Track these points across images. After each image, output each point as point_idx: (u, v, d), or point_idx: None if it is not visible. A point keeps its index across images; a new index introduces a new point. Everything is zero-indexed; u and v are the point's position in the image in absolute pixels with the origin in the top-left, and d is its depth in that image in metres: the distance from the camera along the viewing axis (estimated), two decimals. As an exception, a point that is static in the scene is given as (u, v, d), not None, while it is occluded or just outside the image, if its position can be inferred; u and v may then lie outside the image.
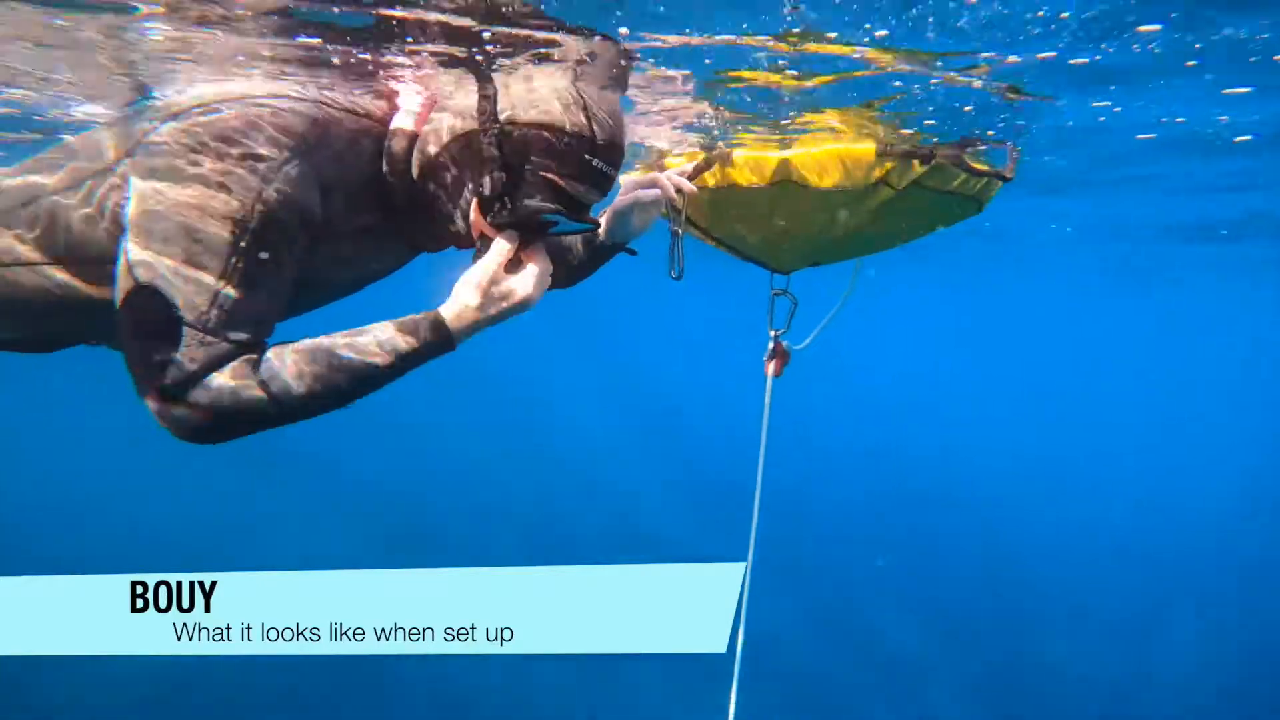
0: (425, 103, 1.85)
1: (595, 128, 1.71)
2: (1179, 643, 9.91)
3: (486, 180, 1.68)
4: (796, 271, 2.84)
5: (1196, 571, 12.09)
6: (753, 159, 2.45)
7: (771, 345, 2.82)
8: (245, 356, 1.53)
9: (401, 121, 1.81)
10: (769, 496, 2.94)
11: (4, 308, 1.86)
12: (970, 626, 9.91)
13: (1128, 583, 11.57)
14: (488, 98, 1.73)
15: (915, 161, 2.37)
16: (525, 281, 1.72)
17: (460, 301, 1.68)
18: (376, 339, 1.62)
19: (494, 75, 2.40)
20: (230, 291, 1.51)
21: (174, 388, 1.47)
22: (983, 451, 19.31)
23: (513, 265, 1.73)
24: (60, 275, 1.77)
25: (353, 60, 2.45)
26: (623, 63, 2.54)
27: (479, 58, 2.34)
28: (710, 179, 2.49)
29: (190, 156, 1.54)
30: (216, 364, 1.50)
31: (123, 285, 1.52)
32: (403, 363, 1.63)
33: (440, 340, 1.65)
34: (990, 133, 3.61)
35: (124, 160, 1.68)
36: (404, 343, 1.63)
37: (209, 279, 1.50)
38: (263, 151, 1.57)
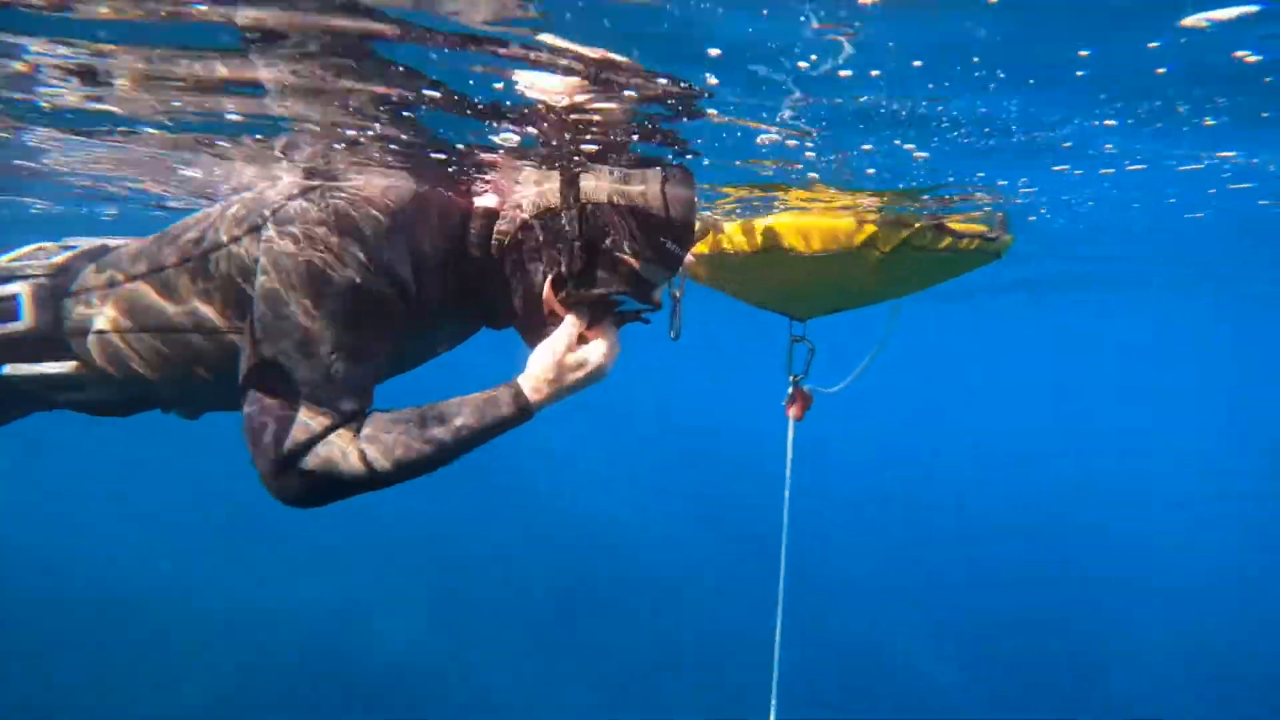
0: (507, 185, 1.97)
1: (671, 211, 1.78)
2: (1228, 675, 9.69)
3: (564, 258, 1.74)
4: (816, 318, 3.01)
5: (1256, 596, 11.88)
6: (741, 226, 2.59)
7: (791, 390, 2.97)
8: (349, 425, 1.62)
9: (485, 200, 1.93)
10: (801, 525, 3.06)
11: (127, 369, 1.98)
12: (1007, 656, 9.80)
13: (1174, 611, 11.35)
14: (570, 181, 1.81)
15: (900, 228, 2.51)
16: (596, 352, 1.78)
17: (536, 374, 1.74)
18: (462, 411, 1.68)
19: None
20: (340, 365, 1.62)
21: (288, 456, 1.56)
22: (1017, 473, 19.08)
23: (580, 338, 1.80)
24: (185, 339, 1.90)
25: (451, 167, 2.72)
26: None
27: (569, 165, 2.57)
28: (704, 247, 2.64)
29: (312, 235, 1.65)
30: (325, 433, 1.59)
31: (247, 359, 1.63)
32: (486, 433, 1.69)
33: (519, 411, 1.71)
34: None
35: (244, 237, 1.80)
36: (488, 415, 1.69)
37: (323, 353, 1.60)
38: (371, 229, 1.68)
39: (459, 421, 1.67)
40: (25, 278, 2.01)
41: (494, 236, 1.87)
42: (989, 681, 9.22)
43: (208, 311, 1.87)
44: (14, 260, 2.08)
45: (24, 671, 7.93)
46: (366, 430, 1.63)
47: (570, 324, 1.78)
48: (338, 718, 7.98)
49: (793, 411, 2.97)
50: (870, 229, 2.50)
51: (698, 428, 22.92)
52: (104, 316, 1.95)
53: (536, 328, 1.86)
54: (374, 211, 1.70)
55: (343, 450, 1.59)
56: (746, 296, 2.92)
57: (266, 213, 1.75)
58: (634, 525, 13.54)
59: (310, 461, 1.58)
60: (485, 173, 2.71)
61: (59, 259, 2.05)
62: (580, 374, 1.77)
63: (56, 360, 1.99)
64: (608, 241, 1.75)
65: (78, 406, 2.13)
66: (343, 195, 1.72)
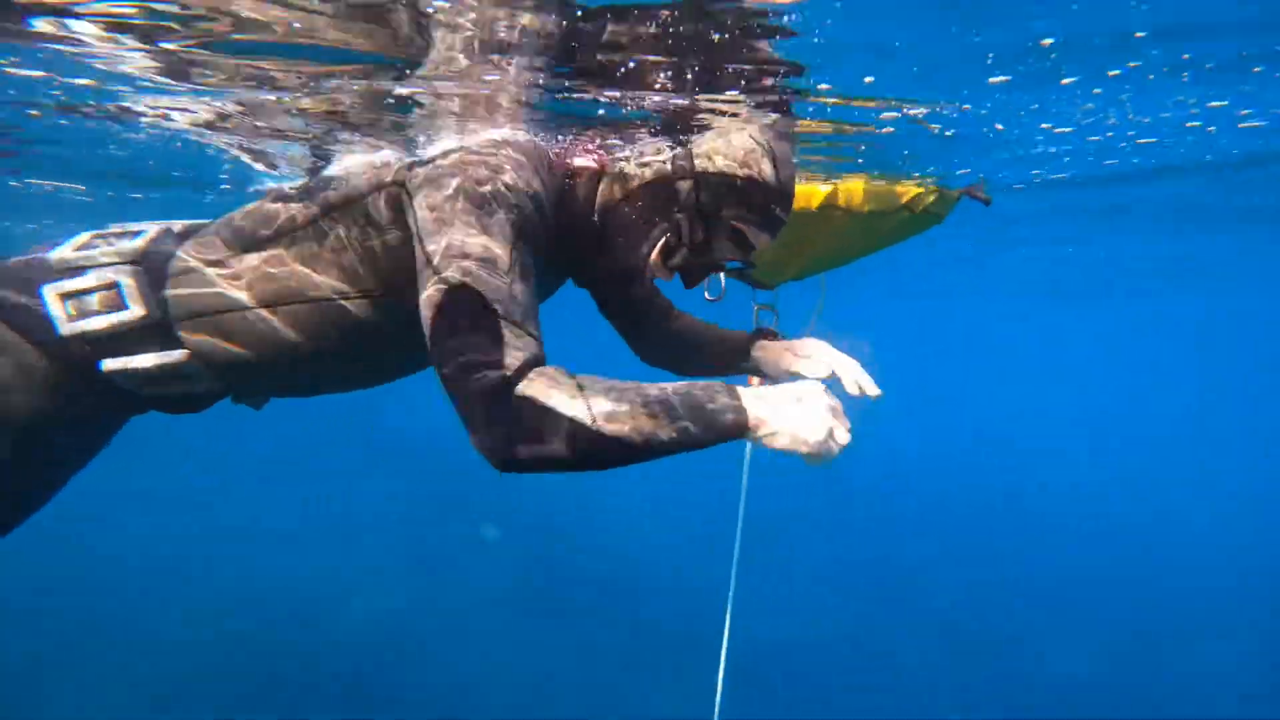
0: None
1: (781, 180, 1.78)
2: (1186, 651, 9.79)
3: (684, 224, 1.75)
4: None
5: (1200, 573, 12.11)
6: (803, 190, 2.76)
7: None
8: (556, 366, 1.46)
9: (584, 160, 1.89)
10: (767, 503, 3.02)
11: (240, 352, 1.82)
12: (970, 634, 9.87)
13: (1131, 588, 11.51)
14: (681, 145, 1.81)
15: (934, 190, 2.83)
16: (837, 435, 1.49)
17: (770, 408, 1.46)
18: (689, 404, 1.41)
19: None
20: (519, 284, 1.50)
21: (502, 385, 1.37)
22: (983, 454, 19.31)
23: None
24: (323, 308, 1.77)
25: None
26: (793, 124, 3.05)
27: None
28: None
29: (467, 168, 1.61)
30: (533, 362, 1.42)
31: (433, 296, 1.46)
32: (700, 443, 1.42)
33: (734, 435, 1.45)
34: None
35: (389, 187, 1.70)
36: (712, 422, 1.41)
37: (504, 268, 1.49)
38: (516, 166, 1.65)
39: (683, 417, 1.40)
40: (114, 264, 1.81)
41: (598, 198, 1.85)
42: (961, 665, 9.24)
43: (344, 274, 1.76)
44: (83, 249, 1.85)
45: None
46: (577, 376, 1.44)
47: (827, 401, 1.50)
48: (306, 699, 7.74)
49: (755, 381, 2.89)
50: (915, 190, 2.85)
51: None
52: (220, 296, 1.79)
53: (623, 284, 1.95)
54: (515, 153, 1.70)
55: (557, 383, 1.39)
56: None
57: (408, 166, 1.70)
58: (609, 517, 13.22)
59: (528, 386, 1.37)
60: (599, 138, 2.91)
61: (139, 243, 1.86)
62: (801, 443, 1.45)
63: (161, 350, 1.79)
64: (724, 211, 1.76)
65: (164, 403, 1.92)
66: (484, 143, 1.72)
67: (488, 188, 1.57)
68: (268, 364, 1.83)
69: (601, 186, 1.86)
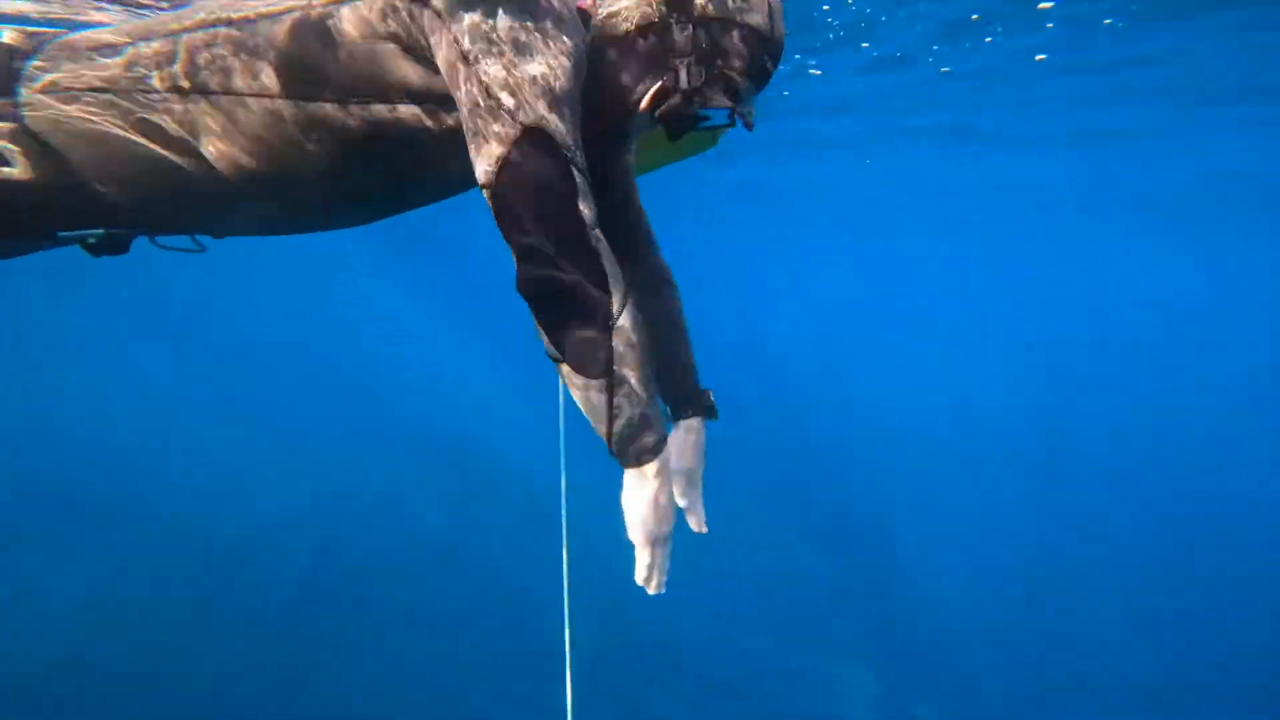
0: None
1: (774, 31, 1.76)
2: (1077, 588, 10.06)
3: (680, 73, 1.71)
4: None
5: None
6: None
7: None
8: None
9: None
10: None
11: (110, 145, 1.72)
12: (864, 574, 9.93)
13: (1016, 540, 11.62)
14: None
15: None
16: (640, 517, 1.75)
17: (654, 470, 1.70)
18: (633, 391, 1.63)
19: None
20: (571, 117, 1.63)
21: (586, 231, 1.58)
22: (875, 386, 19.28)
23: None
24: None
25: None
26: None
27: None
28: None
29: None
30: (595, 220, 1.61)
31: (505, 132, 1.53)
32: (601, 419, 1.64)
33: (616, 455, 1.69)
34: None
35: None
36: (621, 415, 1.63)
37: (562, 96, 1.59)
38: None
39: (632, 381, 1.62)
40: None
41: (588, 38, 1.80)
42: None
43: (286, 74, 1.69)
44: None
45: None
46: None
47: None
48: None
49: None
50: None
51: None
52: (110, 64, 1.73)
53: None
54: None
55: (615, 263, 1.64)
56: None
57: None
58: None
59: (599, 244, 1.61)
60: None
61: (27, 35, 1.84)
62: (640, 518, 1.75)
63: None
64: (719, 61, 1.73)
65: None
66: None
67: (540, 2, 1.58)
68: (125, 168, 1.74)
69: (593, 26, 1.78)
